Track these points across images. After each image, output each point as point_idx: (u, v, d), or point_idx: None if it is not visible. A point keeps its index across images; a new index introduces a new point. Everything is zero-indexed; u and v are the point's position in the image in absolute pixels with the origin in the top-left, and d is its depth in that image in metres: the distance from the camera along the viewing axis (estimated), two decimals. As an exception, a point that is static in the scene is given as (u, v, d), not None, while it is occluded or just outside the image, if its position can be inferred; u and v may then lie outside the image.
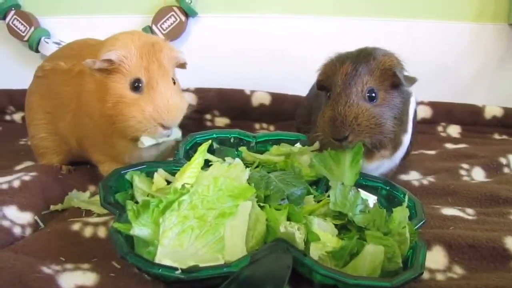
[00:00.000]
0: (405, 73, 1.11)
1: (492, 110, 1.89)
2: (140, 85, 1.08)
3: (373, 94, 1.07)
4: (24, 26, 2.04)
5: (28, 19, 2.04)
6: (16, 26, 2.04)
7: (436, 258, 0.95)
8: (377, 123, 1.06)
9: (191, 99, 1.91)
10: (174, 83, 1.15)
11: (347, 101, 1.05)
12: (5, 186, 1.15)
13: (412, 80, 1.11)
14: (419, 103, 1.74)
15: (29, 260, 0.88)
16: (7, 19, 2.04)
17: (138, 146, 1.12)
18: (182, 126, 1.23)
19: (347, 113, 1.04)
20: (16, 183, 1.17)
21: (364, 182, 1.11)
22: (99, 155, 1.23)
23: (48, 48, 1.98)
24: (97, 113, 1.12)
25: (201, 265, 0.78)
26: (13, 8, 2.04)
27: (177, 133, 1.18)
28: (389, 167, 1.21)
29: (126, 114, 1.07)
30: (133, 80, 1.08)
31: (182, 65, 1.22)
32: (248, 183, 0.99)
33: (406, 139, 1.18)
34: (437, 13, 1.96)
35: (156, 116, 1.07)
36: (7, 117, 2.04)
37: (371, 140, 1.07)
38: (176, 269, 0.76)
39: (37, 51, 2.04)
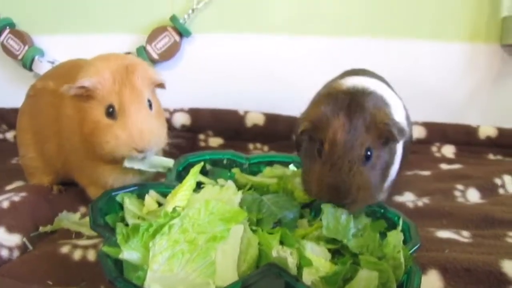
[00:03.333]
0: (396, 122, 1.05)
1: (486, 130, 1.89)
2: (113, 110, 1.08)
3: (369, 153, 1.01)
4: (18, 44, 2.03)
5: (22, 37, 2.03)
6: (11, 45, 2.04)
7: (431, 282, 0.93)
8: (372, 194, 1.02)
9: (185, 119, 1.91)
10: (151, 105, 1.13)
11: (350, 168, 0.98)
12: (-6, 207, 1.14)
13: (403, 133, 1.03)
14: (413, 123, 1.74)
15: (15, 284, 0.87)
16: (2, 37, 2.03)
17: (120, 170, 1.13)
18: (175, 146, 1.22)
19: (351, 183, 0.97)
20: (5, 204, 1.15)
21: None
22: (83, 179, 1.23)
23: (42, 67, 1.98)
24: (76, 138, 1.13)
25: (191, 290, 0.77)
26: (7, 27, 2.04)
27: (164, 162, 1.18)
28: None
29: (102, 140, 1.07)
30: (107, 106, 1.08)
31: (160, 85, 1.20)
32: (240, 206, 0.98)
33: (393, 170, 1.13)
34: (429, 33, 1.96)
35: (129, 141, 1.06)
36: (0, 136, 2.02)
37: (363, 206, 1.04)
38: (166, 295, 0.75)
39: (31, 70, 2.04)
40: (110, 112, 1.08)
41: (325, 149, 1.00)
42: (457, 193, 1.42)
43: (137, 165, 1.13)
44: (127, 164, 1.11)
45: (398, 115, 1.10)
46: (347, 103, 1.03)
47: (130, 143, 1.06)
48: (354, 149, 0.99)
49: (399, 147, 1.14)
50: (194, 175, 1.06)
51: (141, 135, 1.07)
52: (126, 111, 1.07)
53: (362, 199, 0.99)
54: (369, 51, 1.96)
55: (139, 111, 1.08)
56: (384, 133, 1.02)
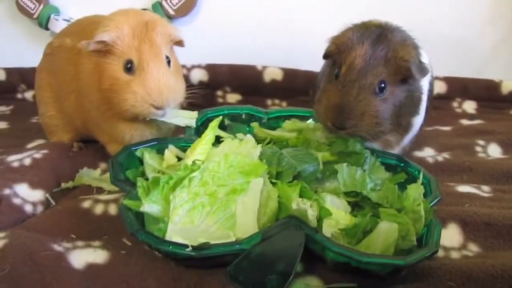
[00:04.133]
0: (421, 60, 1.06)
1: (509, 86, 1.84)
2: (132, 66, 1.07)
3: (382, 85, 1.02)
4: (34, 3, 2.01)
5: (37, -4, 2.02)
6: (26, 4, 2.02)
7: (451, 235, 0.94)
8: (378, 122, 1.02)
9: (202, 75, 1.90)
10: (169, 61, 1.12)
11: (359, 93, 1.00)
12: (16, 164, 1.16)
13: (424, 72, 1.05)
14: (434, 78, 1.71)
15: (40, 237, 0.88)
16: (17, -4, 2.02)
17: (138, 126, 1.14)
18: (193, 103, 1.22)
19: (355, 107, 1.00)
20: (27, 161, 1.17)
21: (378, 159, 1.08)
22: (103, 135, 1.23)
23: (58, 25, 1.96)
24: (94, 94, 1.13)
25: (212, 242, 0.78)
26: (22, -15, 2.02)
27: (189, 114, 1.17)
28: (399, 150, 1.19)
29: (120, 96, 1.07)
30: (125, 62, 1.07)
31: (179, 43, 1.19)
32: (260, 159, 0.97)
33: (418, 120, 1.15)
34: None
35: (147, 97, 1.06)
36: (19, 95, 2.03)
37: (367, 135, 1.04)
38: (187, 246, 0.76)
39: (47, 28, 2.03)
40: (129, 68, 1.07)
41: (343, 73, 1.03)
42: (478, 148, 1.40)
43: (163, 117, 1.12)
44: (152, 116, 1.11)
45: (425, 59, 1.11)
46: (376, 34, 1.05)
47: (148, 100, 1.06)
48: (367, 77, 1.01)
49: (424, 97, 1.15)
50: (213, 129, 1.05)
51: (159, 92, 1.06)
52: (145, 67, 1.06)
53: (365, 126, 1.02)
54: (389, 2, 1.90)
55: (158, 67, 1.07)
56: (402, 69, 1.03)
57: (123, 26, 1.08)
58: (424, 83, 1.15)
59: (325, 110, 1.04)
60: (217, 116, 1.18)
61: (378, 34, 1.05)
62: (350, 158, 1.03)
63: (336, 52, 1.08)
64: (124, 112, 1.09)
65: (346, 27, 1.13)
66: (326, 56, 1.13)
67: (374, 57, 1.02)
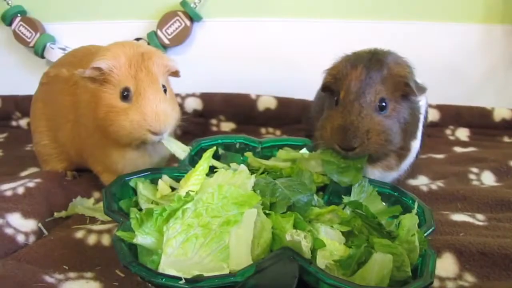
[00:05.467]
0: (416, 80, 1.08)
1: (501, 113, 1.86)
2: (129, 93, 1.08)
3: (384, 104, 1.04)
4: (30, 32, 2.03)
5: (34, 25, 2.03)
6: (22, 32, 2.04)
7: (446, 265, 0.93)
8: (387, 138, 1.03)
9: (197, 104, 1.91)
10: (165, 90, 1.13)
11: (360, 111, 1.02)
12: (9, 193, 1.15)
13: (422, 90, 1.07)
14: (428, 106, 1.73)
15: (31, 268, 0.88)
16: (13, 25, 2.04)
17: (133, 155, 1.15)
18: (188, 131, 1.22)
19: (360, 125, 1.01)
20: (20, 190, 1.16)
21: (375, 188, 1.07)
22: (98, 165, 1.23)
23: (54, 54, 1.98)
24: (91, 123, 1.13)
25: (205, 274, 0.77)
26: (19, 15, 2.04)
27: (178, 148, 1.18)
28: (396, 177, 1.19)
29: (116, 124, 1.07)
30: (122, 89, 1.08)
31: (175, 74, 1.21)
32: (254, 190, 0.97)
33: (416, 145, 1.16)
34: (445, 15, 1.94)
35: (143, 123, 1.06)
36: (13, 123, 2.04)
37: (377, 152, 1.05)
38: (180, 278, 0.75)
39: (42, 57, 2.04)
40: (125, 96, 1.08)
41: (343, 97, 1.05)
42: (472, 176, 1.41)
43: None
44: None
45: (419, 79, 1.12)
46: (369, 58, 1.08)
47: (145, 125, 1.06)
48: (365, 95, 1.03)
49: (421, 118, 1.16)
50: (207, 160, 1.05)
51: (156, 117, 1.07)
52: (141, 94, 1.07)
53: (373, 144, 1.02)
54: (382, 33, 1.93)
55: (154, 94, 1.08)
56: (400, 85, 1.05)
57: (120, 56, 1.09)
58: (422, 104, 1.16)
59: (330, 134, 1.05)
60: (211, 145, 1.19)
61: (370, 58, 1.08)
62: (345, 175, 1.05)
63: (333, 82, 1.11)
64: (120, 138, 1.09)
65: (339, 58, 1.15)
66: (324, 88, 1.15)
67: (369, 77, 1.04)
